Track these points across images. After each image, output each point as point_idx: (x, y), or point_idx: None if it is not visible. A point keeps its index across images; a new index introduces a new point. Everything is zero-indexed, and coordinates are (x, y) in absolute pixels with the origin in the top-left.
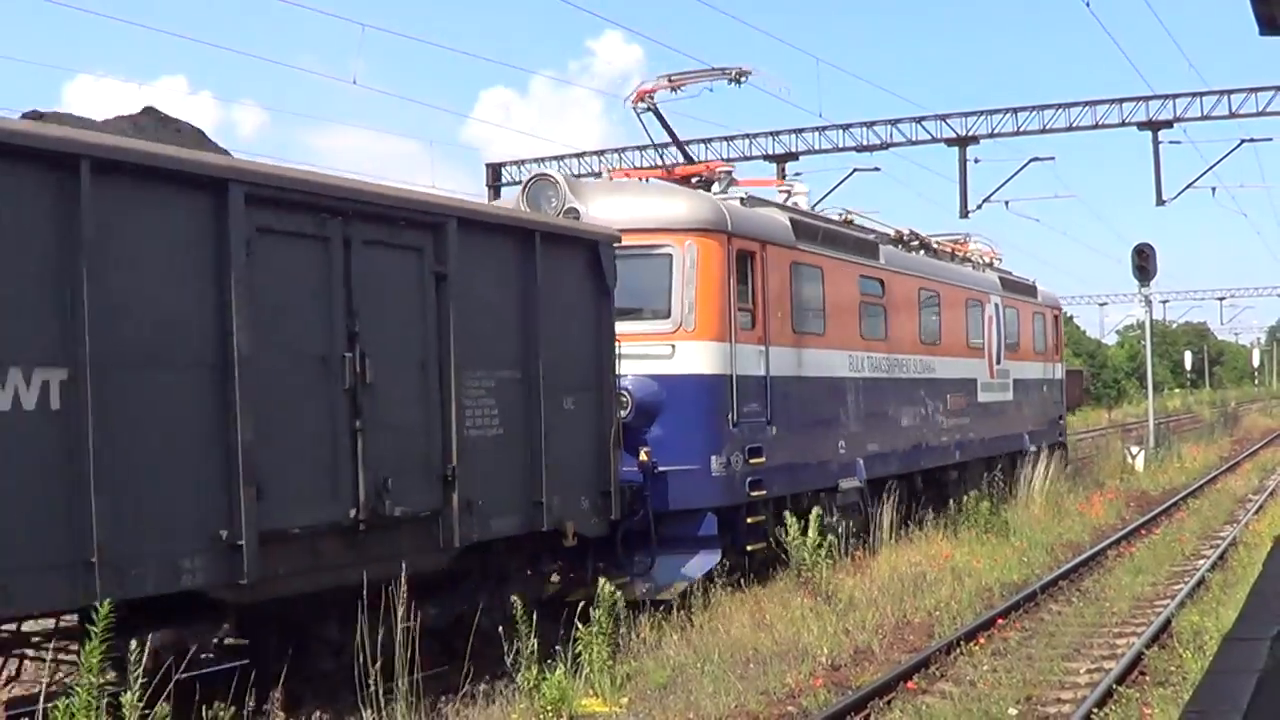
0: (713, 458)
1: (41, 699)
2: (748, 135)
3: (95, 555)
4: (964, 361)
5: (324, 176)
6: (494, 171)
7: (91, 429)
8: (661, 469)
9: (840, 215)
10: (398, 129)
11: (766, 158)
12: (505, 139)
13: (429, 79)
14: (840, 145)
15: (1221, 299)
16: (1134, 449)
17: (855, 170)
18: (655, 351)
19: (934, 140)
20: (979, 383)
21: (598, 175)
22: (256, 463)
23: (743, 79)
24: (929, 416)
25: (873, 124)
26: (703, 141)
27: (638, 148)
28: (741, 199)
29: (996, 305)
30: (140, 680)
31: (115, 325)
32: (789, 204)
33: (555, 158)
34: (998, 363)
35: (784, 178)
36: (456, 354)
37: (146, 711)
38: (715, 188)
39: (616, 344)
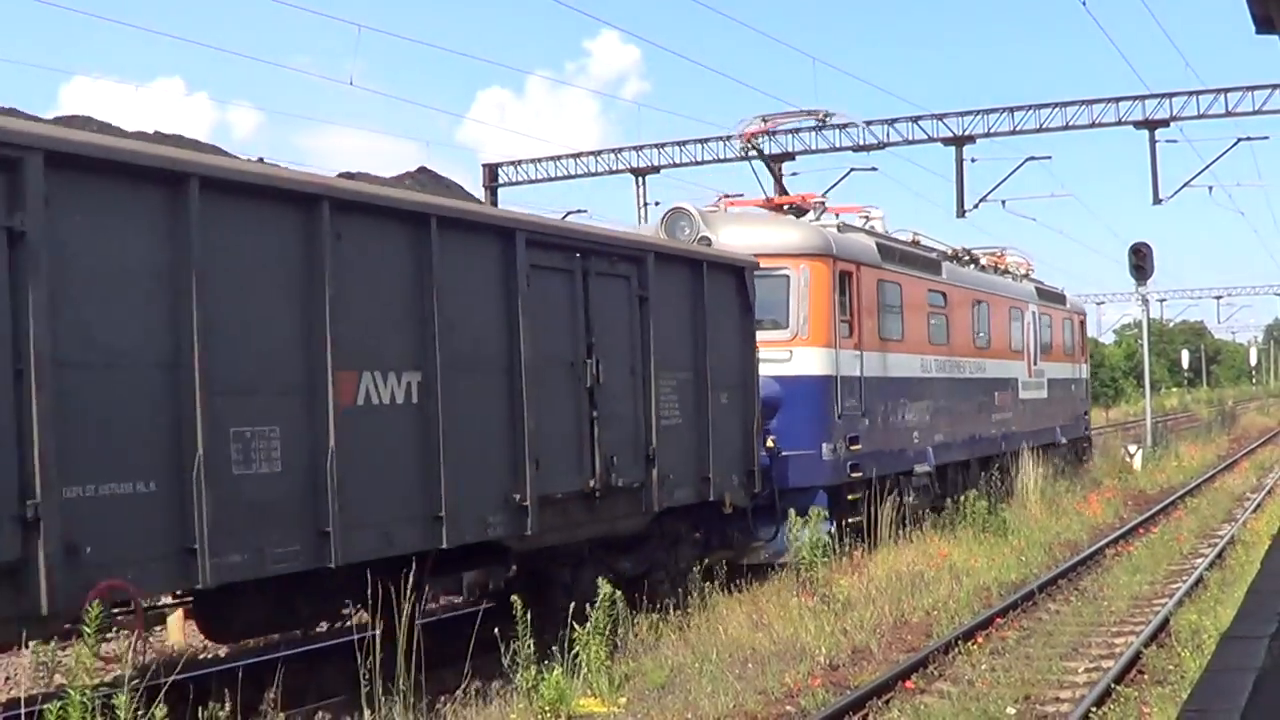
0: (823, 444)
1: (22, 702)
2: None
3: (443, 511)
4: (1008, 363)
5: (572, 225)
6: (490, 172)
7: (441, 417)
8: (784, 453)
9: (909, 237)
10: (394, 130)
11: (763, 157)
12: (502, 140)
13: (425, 80)
14: (837, 145)
15: (1219, 298)
16: (1131, 448)
17: (852, 170)
18: (776, 356)
19: (931, 140)
20: (1020, 382)
21: (595, 175)
22: (536, 443)
23: (827, 119)
24: (982, 411)
25: (869, 123)
26: (700, 141)
27: (634, 148)
28: (838, 226)
29: (1033, 312)
30: (133, 682)
31: (450, 340)
32: (868, 227)
33: (552, 158)
34: (1035, 364)
35: (781, 178)
36: (655, 360)
37: (142, 712)
38: (810, 216)
39: (756, 350)
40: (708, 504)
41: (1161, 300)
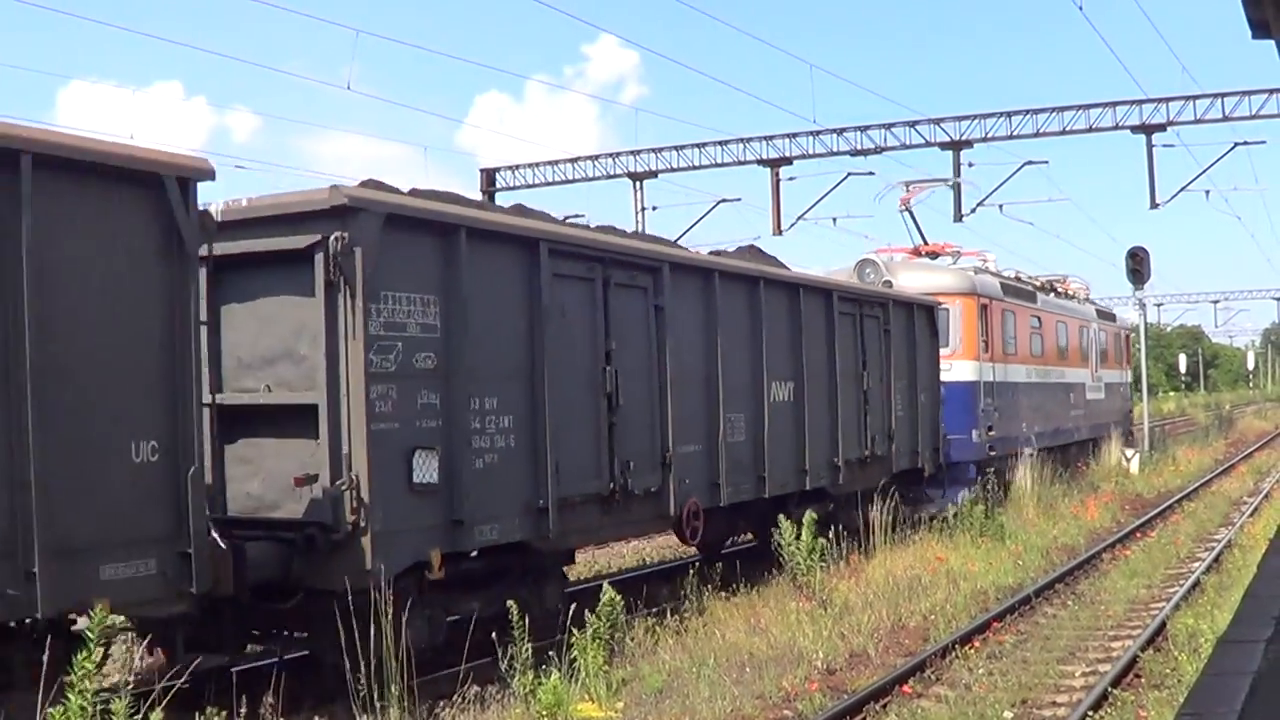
0: (973, 430)
1: (36, 705)
2: (742, 140)
3: (807, 466)
4: (1079, 370)
5: (855, 284)
6: (488, 177)
7: (806, 409)
8: (949, 437)
9: (1012, 274)
10: (392, 134)
11: (760, 162)
12: (500, 144)
13: (423, 84)
14: (834, 149)
15: (1216, 302)
16: (1129, 452)
17: (849, 174)
18: (941, 366)
19: (928, 144)
20: (1087, 385)
21: (593, 180)
22: (842, 426)
23: (958, 186)
24: (1063, 408)
25: (866, 128)
26: (698, 146)
27: (631, 152)
28: (974, 269)
29: (1095, 329)
30: (129, 687)
31: (807, 360)
32: (987, 268)
33: (550, 162)
34: (1096, 370)
35: (779, 182)
36: (894, 373)
37: (136, 712)
38: (946, 259)
39: (939, 362)
40: (914, 470)
41: (1159, 304)
